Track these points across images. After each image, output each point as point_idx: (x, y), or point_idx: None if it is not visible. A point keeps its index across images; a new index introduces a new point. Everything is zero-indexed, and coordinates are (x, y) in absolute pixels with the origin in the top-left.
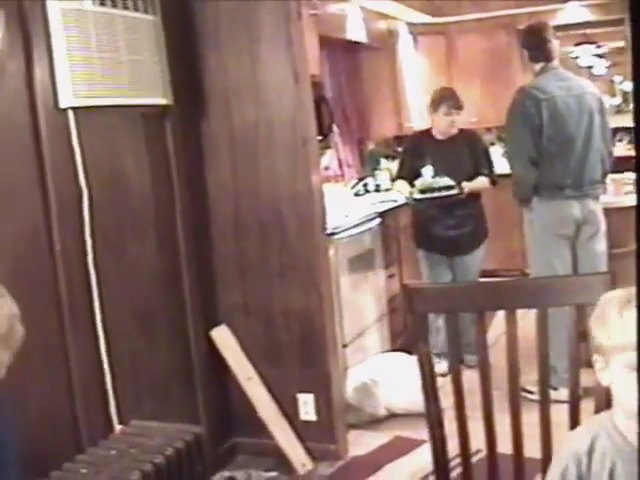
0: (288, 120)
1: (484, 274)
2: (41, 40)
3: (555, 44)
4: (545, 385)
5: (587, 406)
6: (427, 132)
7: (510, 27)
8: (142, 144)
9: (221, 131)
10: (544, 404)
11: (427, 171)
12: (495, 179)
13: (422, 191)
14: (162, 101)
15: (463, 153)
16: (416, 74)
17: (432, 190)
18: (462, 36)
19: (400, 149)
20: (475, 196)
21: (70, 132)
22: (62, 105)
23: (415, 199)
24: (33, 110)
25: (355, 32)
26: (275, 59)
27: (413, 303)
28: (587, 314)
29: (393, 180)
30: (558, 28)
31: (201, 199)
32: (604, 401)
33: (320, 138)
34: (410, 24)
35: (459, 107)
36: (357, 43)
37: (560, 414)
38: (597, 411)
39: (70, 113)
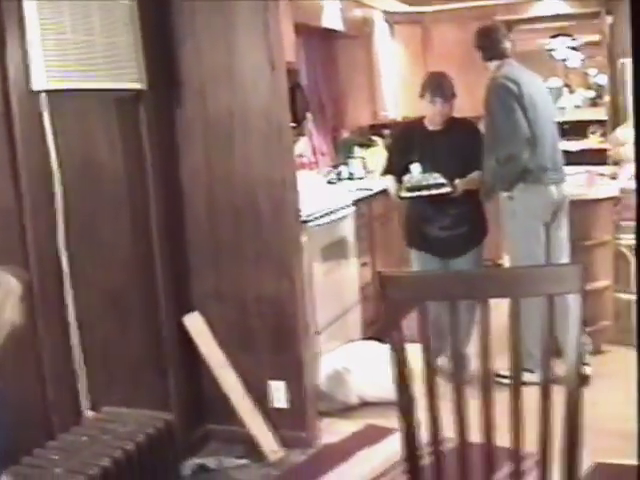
0: (263, 107)
1: None
2: (14, 22)
3: (508, 44)
4: (518, 376)
5: (558, 398)
6: (419, 122)
7: (486, 18)
8: (116, 128)
9: (195, 117)
10: (515, 395)
11: (415, 168)
12: None
13: (410, 189)
14: (136, 86)
15: (458, 145)
16: (392, 63)
17: (420, 188)
18: (438, 26)
19: (378, 139)
20: (473, 192)
21: (42, 115)
22: (35, 88)
23: (401, 197)
24: (5, 92)
25: (331, 20)
26: (251, 46)
27: (387, 291)
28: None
29: (382, 175)
30: (534, 20)
31: (175, 185)
32: (575, 390)
33: (294, 125)
34: (386, 13)
35: (445, 95)
36: (333, 31)
37: (532, 402)
38: (568, 399)
39: (43, 96)
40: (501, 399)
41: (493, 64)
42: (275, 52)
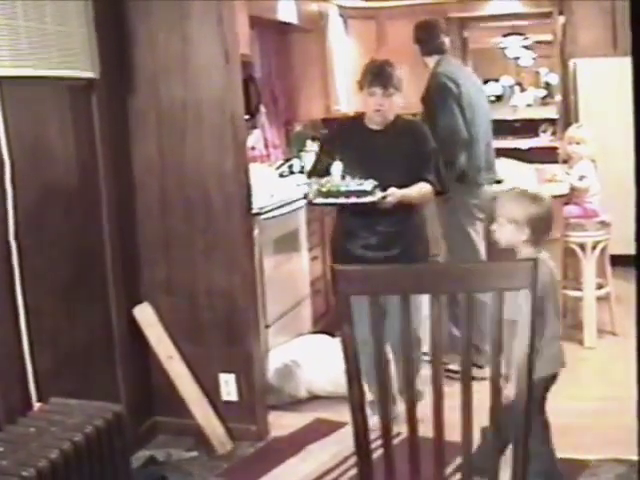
0: (216, 99)
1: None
2: None
3: (446, 40)
4: (467, 371)
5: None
6: (358, 119)
7: (440, 14)
8: (68, 117)
9: (148, 107)
10: (466, 390)
11: (336, 169)
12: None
13: (324, 194)
14: (89, 74)
15: (401, 151)
16: (345, 57)
17: (337, 195)
18: (392, 21)
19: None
20: (410, 207)
21: None
22: None
23: (312, 203)
24: None
25: (286, 13)
26: (205, 37)
27: (338, 284)
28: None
29: (308, 177)
30: (487, 18)
31: (126, 175)
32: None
33: (247, 118)
34: (341, 7)
35: (387, 86)
36: (288, 24)
37: (483, 397)
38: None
39: None
40: (457, 392)
41: (432, 59)
42: (229, 44)
